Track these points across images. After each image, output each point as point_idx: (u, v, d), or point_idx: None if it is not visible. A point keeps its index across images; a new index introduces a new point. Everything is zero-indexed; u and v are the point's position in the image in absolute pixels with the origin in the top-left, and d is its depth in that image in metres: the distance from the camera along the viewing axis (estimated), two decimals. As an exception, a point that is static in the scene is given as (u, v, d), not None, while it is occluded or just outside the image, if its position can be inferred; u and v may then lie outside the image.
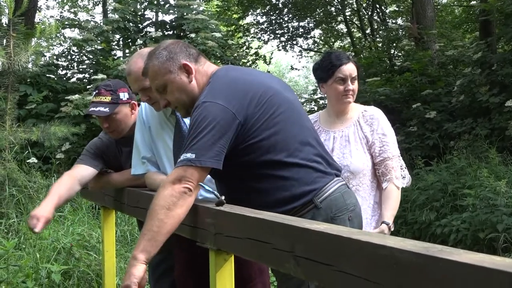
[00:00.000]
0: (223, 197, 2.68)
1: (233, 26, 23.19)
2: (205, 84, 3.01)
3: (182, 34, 12.59)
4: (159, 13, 14.69)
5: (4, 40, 8.77)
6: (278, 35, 26.30)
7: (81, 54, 13.65)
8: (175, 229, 2.74)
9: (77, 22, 18.39)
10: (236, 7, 25.87)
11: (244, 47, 17.09)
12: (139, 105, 4.07)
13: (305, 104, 18.64)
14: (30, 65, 11.89)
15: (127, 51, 13.72)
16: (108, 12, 22.03)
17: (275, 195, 2.91)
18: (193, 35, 11.85)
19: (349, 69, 3.72)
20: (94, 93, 4.10)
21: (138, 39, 12.70)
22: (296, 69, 31.23)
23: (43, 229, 3.75)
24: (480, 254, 1.44)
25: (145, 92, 3.48)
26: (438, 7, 24.76)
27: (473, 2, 17.67)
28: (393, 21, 24.65)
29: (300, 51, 28.63)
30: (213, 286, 2.66)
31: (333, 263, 1.71)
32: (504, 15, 13.95)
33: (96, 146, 4.22)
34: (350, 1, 24.92)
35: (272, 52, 25.01)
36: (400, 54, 18.46)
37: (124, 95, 4.02)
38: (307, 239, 1.86)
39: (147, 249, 2.73)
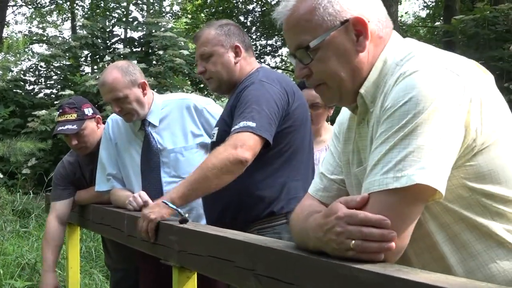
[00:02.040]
0: (187, 215, 2.68)
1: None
2: (248, 73, 3.12)
3: (150, 51, 12.58)
4: (128, 30, 14.71)
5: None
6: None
7: (49, 70, 13.58)
8: (214, 190, 2.77)
9: (45, 38, 18.33)
10: (204, 25, 25.90)
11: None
12: (104, 122, 4.09)
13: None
14: (-2, 80, 11.85)
15: (95, 67, 13.68)
16: (77, 28, 21.94)
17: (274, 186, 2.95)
18: (161, 52, 11.84)
19: (312, 94, 3.40)
20: (58, 112, 4.11)
21: (106, 55, 12.68)
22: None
23: None
24: (436, 274, 1.45)
25: (117, 102, 3.50)
26: (404, 27, 25.09)
27: (437, 24, 17.96)
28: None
29: (268, 69, 28.71)
30: (176, 303, 2.65)
31: (294, 281, 1.69)
32: (466, 36, 14.19)
33: (62, 176, 4.21)
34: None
35: (240, 70, 25.03)
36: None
37: (88, 111, 4.03)
38: (267, 257, 1.85)
39: (183, 195, 2.75)
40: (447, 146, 1.45)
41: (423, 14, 30.07)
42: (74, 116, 3.97)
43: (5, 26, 19.99)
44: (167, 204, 2.83)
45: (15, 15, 29.86)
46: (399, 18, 19.93)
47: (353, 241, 1.42)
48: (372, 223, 1.41)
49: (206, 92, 13.02)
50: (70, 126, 3.92)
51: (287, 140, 2.96)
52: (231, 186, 2.81)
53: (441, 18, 20.24)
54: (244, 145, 2.73)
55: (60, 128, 3.95)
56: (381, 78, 1.64)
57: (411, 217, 1.47)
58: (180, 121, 3.63)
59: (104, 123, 4.11)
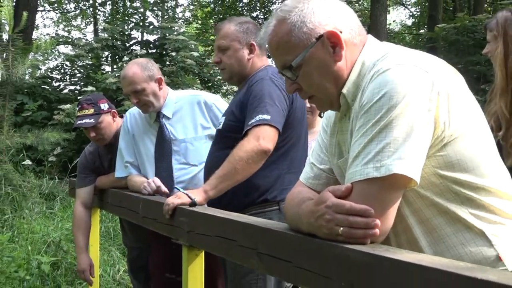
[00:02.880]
0: (196, 199, 2.68)
1: (210, 47, 23.22)
2: (259, 68, 3.14)
3: (164, 52, 12.56)
4: (144, 33, 14.69)
5: (4, 54, 8.68)
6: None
7: (73, 68, 13.53)
8: (242, 181, 2.78)
9: (70, 40, 18.30)
10: (212, 30, 25.92)
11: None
12: (120, 115, 4.17)
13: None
14: (27, 77, 11.87)
15: (114, 66, 13.65)
16: (99, 31, 22.01)
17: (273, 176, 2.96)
18: (174, 53, 11.82)
19: None
20: (78, 108, 4.11)
21: (125, 56, 12.64)
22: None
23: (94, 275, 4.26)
24: (421, 254, 1.46)
25: (136, 94, 3.53)
26: (391, 34, 25.06)
27: (421, 31, 17.92)
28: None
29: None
30: (185, 279, 2.65)
31: (292, 259, 1.70)
32: (447, 43, 14.20)
33: (84, 166, 4.26)
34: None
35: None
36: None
37: (104, 106, 4.04)
38: (269, 238, 1.85)
39: (217, 189, 2.77)
40: (420, 137, 1.46)
41: (409, 22, 30.07)
42: (91, 111, 3.98)
43: (35, 29, 19.92)
44: (178, 189, 2.86)
45: (44, 19, 29.81)
46: (387, 26, 19.87)
47: (341, 228, 1.45)
48: (357, 212, 1.44)
49: (213, 90, 12.98)
50: (87, 120, 3.94)
51: (286, 135, 2.95)
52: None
53: (425, 26, 20.18)
54: (266, 136, 2.77)
55: (79, 122, 3.98)
56: (361, 78, 1.64)
57: (391, 203, 1.48)
58: (191, 114, 3.65)
59: (121, 116, 4.16)
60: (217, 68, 17.04)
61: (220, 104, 3.67)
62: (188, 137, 3.59)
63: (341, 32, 1.65)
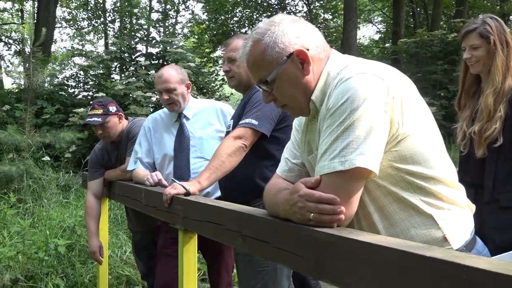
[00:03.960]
0: (190, 189, 2.70)
1: (205, 58, 23.25)
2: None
3: (165, 63, 12.52)
4: (148, 47, 14.66)
5: (26, 65, 8.69)
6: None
7: (86, 77, 13.50)
8: (228, 172, 2.87)
9: (84, 52, 18.15)
10: (207, 43, 25.93)
11: (213, 74, 17.03)
12: (126, 118, 4.24)
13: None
14: (46, 84, 11.85)
15: (122, 75, 13.61)
16: (109, 45, 21.90)
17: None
18: (173, 64, 11.78)
19: None
20: (89, 108, 4.17)
21: (131, 67, 12.70)
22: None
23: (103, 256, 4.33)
24: (378, 235, 1.47)
25: (168, 92, 3.60)
26: (361, 47, 25.12)
27: (387, 45, 17.98)
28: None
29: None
30: (180, 258, 2.66)
31: (271, 241, 1.71)
32: (409, 55, 14.28)
33: (94, 161, 4.30)
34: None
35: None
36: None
37: (112, 108, 4.08)
38: (251, 222, 1.86)
39: (209, 179, 2.84)
40: (378, 136, 1.48)
41: (376, 37, 30.11)
42: (100, 111, 4.02)
43: (53, 43, 19.84)
44: (174, 180, 2.88)
45: (61, 34, 29.84)
46: (358, 40, 19.90)
47: (312, 214, 1.48)
48: (325, 201, 1.47)
49: (208, 96, 12.97)
50: (96, 119, 3.98)
51: (282, 137, 2.98)
52: (240, 171, 2.95)
53: (390, 40, 20.26)
54: (243, 136, 2.89)
55: (88, 119, 4.01)
56: (327, 86, 1.66)
57: (354, 192, 1.50)
58: (209, 118, 3.71)
59: (127, 119, 4.25)
60: (210, 77, 17.23)
61: (233, 112, 3.69)
62: (204, 135, 3.63)
63: (308, 50, 1.67)
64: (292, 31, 1.69)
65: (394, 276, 1.20)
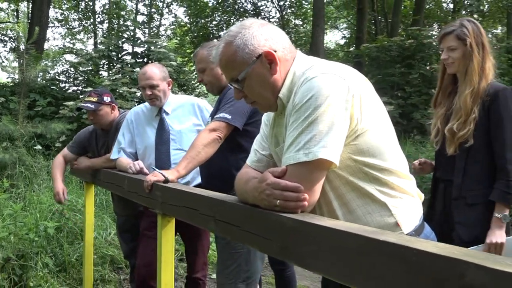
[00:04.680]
0: (169, 177, 2.69)
1: (186, 58, 23.14)
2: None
3: (149, 61, 12.41)
4: (134, 46, 14.50)
5: (20, 61, 8.55)
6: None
7: (76, 73, 13.34)
8: (203, 161, 2.90)
9: (74, 50, 17.86)
10: (189, 44, 25.77)
11: (194, 73, 16.95)
12: (118, 108, 4.26)
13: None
14: (39, 79, 11.69)
15: (109, 72, 13.46)
16: (97, 44, 21.61)
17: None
18: (157, 62, 11.67)
19: None
20: (87, 95, 4.19)
21: (117, 64, 12.59)
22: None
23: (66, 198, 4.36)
24: (338, 221, 1.47)
25: (150, 88, 3.60)
26: (328, 51, 25.22)
27: (351, 49, 18.08)
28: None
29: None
30: (159, 240, 2.63)
31: (240, 224, 1.70)
32: (370, 58, 14.38)
33: (79, 140, 4.38)
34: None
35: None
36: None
37: (107, 98, 4.08)
38: (223, 208, 1.85)
39: (186, 168, 2.85)
40: (339, 130, 1.48)
41: (342, 42, 30.24)
42: (95, 99, 4.03)
43: (46, 41, 19.53)
44: (154, 169, 2.87)
45: (54, 33, 29.41)
46: (325, 45, 19.99)
47: (278, 201, 1.47)
48: (290, 189, 1.46)
49: (188, 92, 12.90)
50: (89, 105, 3.98)
51: (253, 130, 2.98)
52: (217, 162, 3.00)
53: (354, 45, 20.36)
54: (218, 129, 2.92)
55: (83, 104, 4.04)
56: (293, 84, 1.65)
57: (317, 181, 1.50)
58: (187, 113, 3.70)
59: (119, 110, 4.27)
60: (191, 75, 17.18)
61: (209, 107, 3.74)
62: (182, 129, 3.61)
63: (275, 51, 1.66)
64: (261, 34, 1.68)
65: (351, 258, 1.20)
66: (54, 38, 31.78)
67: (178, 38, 27.06)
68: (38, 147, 8.57)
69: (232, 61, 1.68)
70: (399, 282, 1.06)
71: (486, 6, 21.65)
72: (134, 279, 3.87)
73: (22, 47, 8.67)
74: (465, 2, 18.23)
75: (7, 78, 13.22)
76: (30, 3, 19.85)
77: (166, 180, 2.68)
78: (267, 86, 1.68)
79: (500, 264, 0.87)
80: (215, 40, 3.47)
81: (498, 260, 0.90)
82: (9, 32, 22.33)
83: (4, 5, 23.12)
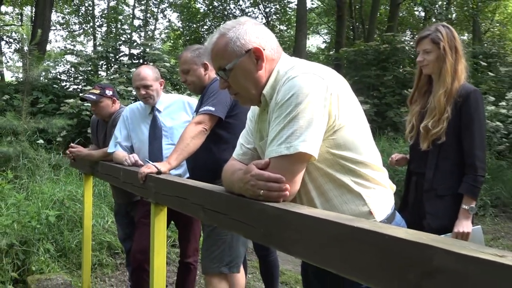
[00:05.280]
0: (161, 169, 2.68)
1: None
2: (213, 79, 3.18)
3: (144, 63, 12.34)
4: (130, 48, 14.40)
5: (24, 61, 8.47)
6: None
7: (76, 73, 13.25)
8: (192, 152, 2.89)
9: (75, 51, 17.70)
10: (181, 47, 25.62)
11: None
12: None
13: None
14: (41, 78, 11.57)
15: (107, 72, 13.35)
16: (96, 46, 21.45)
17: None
18: (151, 63, 11.64)
19: None
20: (92, 87, 4.24)
21: (115, 65, 12.55)
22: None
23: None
24: (317, 209, 1.47)
25: (144, 88, 3.59)
26: (310, 54, 25.24)
27: (331, 53, 18.11)
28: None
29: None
30: (152, 227, 2.61)
31: (228, 213, 1.69)
32: (348, 61, 14.42)
33: (91, 123, 4.54)
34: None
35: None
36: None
37: (109, 92, 4.11)
38: (211, 197, 1.83)
39: (177, 160, 2.84)
40: (318, 126, 1.47)
41: (323, 46, 30.32)
42: (97, 91, 4.06)
43: (48, 43, 19.36)
44: (148, 161, 2.85)
45: (56, 36, 29.04)
46: (307, 48, 20.02)
47: (262, 191, 1.46)
48: (273, 180, 1.46)
49: (180, 91, 12.83)
50: (91, 96, 4.02)
51: (235, 123, 2.98)
52: (201, 154, 2.97)
53: (334, 49, 20.41)
54: (203, 121, 2.91)
55: (85, 95, 4.09)
56: (276, 83, 1.64)
57: (297, 173, 1.50)
58: (177, 110, 3.68)
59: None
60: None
61: None
62: (174, 125, 3.59)
63: (264, 49, 1.65)
64: (253, 32, 1.67)
65: (329, 244, 1.19)
66: (56, 40, 31.66)
67: (172, 41, 26.94)
68: (41, 141, 8.51)
69: (223, 51, 1.67)
70: (372, 266, 1.05)
71: (454, 14, 21.82)
72: (130, 262, 3.86)
73: (25, 48, 8.59)
74: (435, 10, 18.32)
75: (11, 77, 13.08)
76: (33, 7, 19.63)
77: (159, 172, 2.66)
78: (251, 80, 1.66)
79: (466, 249, 0.87)
80: (198, 45, 3.45)
81: (464, 245, 0.90)
82: (14, 34, 22.08)
83: (9, 9, 22.88)
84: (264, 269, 3.94)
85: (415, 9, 23.36)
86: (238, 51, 1.64)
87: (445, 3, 19.59)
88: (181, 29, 26.48)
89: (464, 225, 2.69)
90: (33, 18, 16.68)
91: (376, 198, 1.61)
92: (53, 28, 24.27)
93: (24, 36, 8.88)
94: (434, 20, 19.19)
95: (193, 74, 3.22)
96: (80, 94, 4.24)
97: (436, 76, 2.86)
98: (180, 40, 26.18)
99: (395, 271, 0.99)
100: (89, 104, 4.43)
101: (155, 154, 3.53)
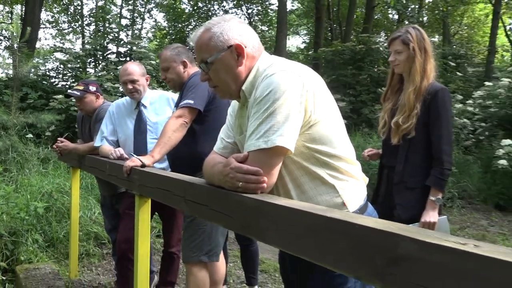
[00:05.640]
0: (145, 162, 2.66)
1: (165, 58, 22.80)
2: (191, 75, 3.15)
3: (131, 60, 12.23)
4: (117, 47, 14.25)
5: (14, 58, 8.33)
6: (197, 64, 26.07)
7: (65, 70, 13.06)
8: (174, 145, 2.86)
9: (64, 49, 17.41)
10: (164, 47, 25.43)
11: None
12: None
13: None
14: (31, 75, 11.38)
15: (95, 69, 13.21)
16: (85, 44, 21.15)
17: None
18: (137, 61, 11.53)
19: None
20: (77, 84, 4.19)
21: (103, 62, 12.42)
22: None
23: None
24: (293, 200, 1.47)
25: (131, 83, 3.56)
26: (290, 54, 25.25)
27: (310, 52, 18.14)
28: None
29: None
30: (137, 218, 2.60)
31: (208, 204, 1.68)
32: (326, 61, 14.46)
33: (77, 118, 4.48)
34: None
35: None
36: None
37: (92, 88, 4.07)
38: (193, 189, 1.83)
39: (159, 153, 2.81)
40: (294, 121, 1.47)
41: (302, 46, 30.34)
42: (81, 87, 4.02)
43: (38, 40, 19.02)
44: (132, 155, 2.83)
45: (45, 34, 28.64)
46: (287, 48, 20.01)
47: (240, 183, 1.46)
48: (251, 172, 1.45)
49: (165, 88, 12.75)
50: (76, 92, 3.99)
51: (214, 117, 2.95)
52: (183, 149, 2.94)
53: (312, 49, 20.44)
54: (184, 115, 2.88)
55: (70, 91, 4.05)
56: (255, 79, 1.63)
57: (274, 166, 1.50)
58: (162, 105, 3.65)
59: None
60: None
61: None
62: (158, 120, 3.56)
63: (245, 46, 1.64)
64: (237, 29, 1.66)
65: (304, 233, 1.20)
66: (46, 38, 31.10)
67: (158, 40, 26.68)
68: (30, 135, 8.39)
69: (206, 45, 1.66)
70: (343, 253, 1.06)
71: (426, 17, 22.02)
72: (115, 252, 3.84)
73: (15, 45, 8.44)
74: (408, 13, 18.47)
75: (1, 73, 12.82)
76: (23, 6, 19.31)
77: (143, 165, 2.64)
78: (230, 74, 1.65)
79: (430, 237, 0.88)
80: (178, 43, 3.43)
81: (428, 234, 0.91)
82: (4, 32, 21.68)
83: (0, 7, 22.46)
84: (245, 258, 3.95)
85: (389, 12, 23.51)
86: (221, 46, 1.64)
87: (417, 6, 19.74)
88: (167, 29, 26.27)
89: (431, 215, 2.73)
90: (23, 16, 16.40)
91: (349, 190, 1.62)
92: (42, 26, 23.87)
93: (14, 34, 8.71)
94: (407, 22, 19.33)
95: (173, 72, 3.19)
96: (68, 91, 4.15)
97: (406, 75, 2.89)
98: (166, 39, 25.95)
99: (364, 258, 1.00)
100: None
101: (140, 148, 3.50)
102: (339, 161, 1.60)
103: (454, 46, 17.73)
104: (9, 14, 23.44)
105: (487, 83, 10.58)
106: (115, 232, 4.00)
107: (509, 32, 20.85)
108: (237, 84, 1.67)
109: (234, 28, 1.66)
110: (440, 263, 0.83)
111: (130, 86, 3.54)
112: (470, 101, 10.81)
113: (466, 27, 25.42)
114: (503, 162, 7.99)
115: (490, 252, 0.77)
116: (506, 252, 0.77)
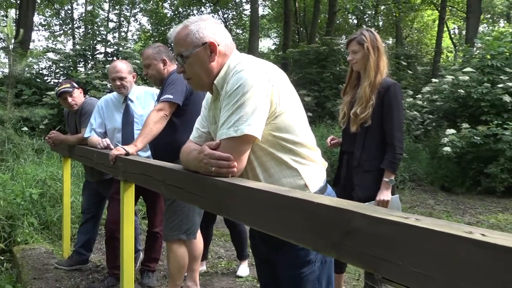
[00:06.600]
0: (129, 151, 2.62)
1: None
2: (170, 72, 3.09)
3: (117, 59, 12.03)
4: (105, 47, 13.97)
5: (9, 57, 8.09)
6: (174, 56, 25.81)
7: (57, 68, 12.76)
8: (156, 135, 2.83)
9: (55, 49, 16.97)
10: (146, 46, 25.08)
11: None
12: (85, 92, 4.21)
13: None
14: (25, 73, 11.08)
15: (85, 68, 12.93)
16: (75, 44, 20.68)
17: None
18: (124, 60, 11.32)
19: None
20: (58, 85, 4.06)
21: (91, 62, 12.17)
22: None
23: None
24: (260, 183, 1.47)
25: (120, 80, 3.51)
26: (262, 54, 25.17)
27: (279, 53, 18.12)
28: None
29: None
30: (122, 202, 2.56)
31: (184, 187, 1.67)
32: (294, 60, 14.48)
33: (64, 114, 4.35)
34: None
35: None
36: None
37: (74, 84, 4.03)
38: (172, 174, 1.81)
39: (142, 142, 2.77)
40: (261, 112, 1.47)
41: (273, 47, 30.28)
42: (68, 85, 3.94)
43: (31, 42, 18.56)
44: (117, 144, 2.79)
45: (38, 36, 27.87)
46: (259, 49, 19.93)
47: (213, 168, 1.45)
48: (223, 158, 1.45)
49: (149, 84, 12.58)
50: (68, 89, 3.90)
51: (191, 110, 2.93)
52: (163, 139, 2.90)
53: (282, 50, 20.42)
54: (163, 108, 2.85)
55: (62, 90, 3.90)
56: (226, 75, 1.61)
57: (243, 152, 1.49)
58: (147, 100, 3.61)
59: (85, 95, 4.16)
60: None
61: None
62: (144, 113, 3.50)
63: (218, 45, 1.63)
64: (212, 28, 1.64)
65: (269, 212, 1.19)
66: (39, 40, 30.19)
67: (142, 42, 26.22)
68: (25, 128, 8.20)
69: (183, 40, 1.64)
70: (303, 228, 1.06)
71: (381, 22, 22.25)
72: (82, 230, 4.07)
73: (10, 46, 8.21)
74: (365, 18, 18.63)
75: (-3, 72, 12.46)
76: (17, 10, 18.76)
77: (127, 153, 2.61)
78: (203, 69, 1.64)
79: (377, 212, 0.88)
80: (159, 43, 3.38)
81: (376, 210, 0.91)
82: (-1, 34, 21.05)
83: (-5, 11, 21.73)
84: (234, 238, 4.05)
85: (349, 17, 23.64)
86: (196, 42, 1.62)
87: (373, 12, 19.89)
88: (150, 31, 25.90)
89: (385, 194, 2.77)
90: (17, 19, 15.94)
91: (310, 173, 1.62)
92: (36, 29, 23.28)
93: (9, 36, 8.45)
94: (364, 26, 19.49)
95: (154, 68, 3.14)
96: (61, 90, 4.03)
97: (363, 71, 2.92)
98: (150, 41, 25.53)
99: (321, 232, 1.00)
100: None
101: (127, 138, 3.45)
102: (301, 147, 1.60)
103: (406, 48, 17.98)
104: (4, 18, 22.74)
105: (434, 80, 10.79)
106: (88, 212, 4.12)
107: (452, 36, 21.25)
108: (209, 78, 1.65)
109: (209, 27, 1.64)
110: (387, 235, 0.84)
111: (118, 83, 3.49)
112: (419, 96, 11.01)
113: (416, 31, 25.75)
114: (447, 149, 8.17)
115: (429, 225, 0.78)
116: (443, 225, 0.78)
